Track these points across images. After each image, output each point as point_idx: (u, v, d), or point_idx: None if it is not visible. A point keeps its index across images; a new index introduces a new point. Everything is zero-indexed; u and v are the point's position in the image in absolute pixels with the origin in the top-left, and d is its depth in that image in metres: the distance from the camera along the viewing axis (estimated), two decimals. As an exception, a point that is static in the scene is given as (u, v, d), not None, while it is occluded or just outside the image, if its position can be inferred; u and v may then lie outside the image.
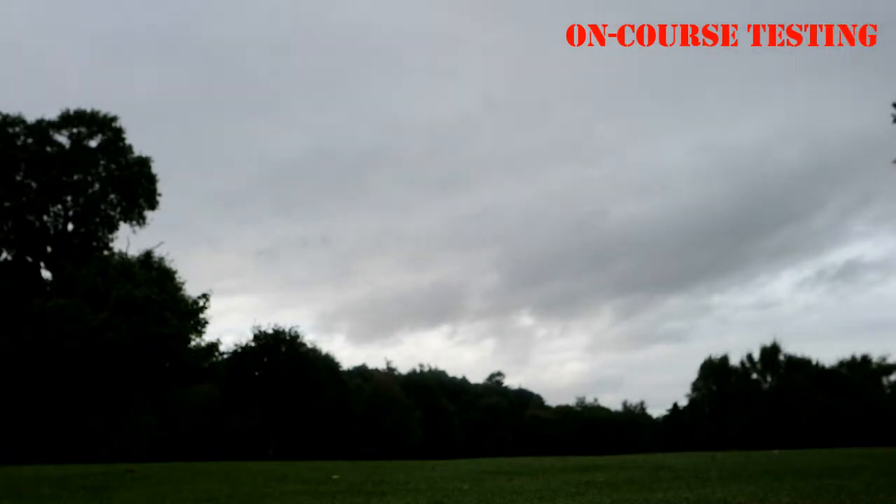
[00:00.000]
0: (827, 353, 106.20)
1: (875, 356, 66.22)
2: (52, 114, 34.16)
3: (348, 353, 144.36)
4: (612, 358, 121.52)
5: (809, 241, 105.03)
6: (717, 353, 71.97)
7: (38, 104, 58.12)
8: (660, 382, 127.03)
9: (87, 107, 34.15)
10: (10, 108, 34.17)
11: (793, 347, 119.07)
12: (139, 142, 69.19)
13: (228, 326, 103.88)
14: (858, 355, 66.65)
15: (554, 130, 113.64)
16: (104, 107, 35.65)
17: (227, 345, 43.13)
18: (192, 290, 32.26)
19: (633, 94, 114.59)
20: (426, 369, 76.99)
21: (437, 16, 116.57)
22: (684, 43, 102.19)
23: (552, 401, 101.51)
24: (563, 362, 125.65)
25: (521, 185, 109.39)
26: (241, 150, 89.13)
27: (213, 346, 33.56)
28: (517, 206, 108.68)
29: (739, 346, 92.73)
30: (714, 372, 69.02)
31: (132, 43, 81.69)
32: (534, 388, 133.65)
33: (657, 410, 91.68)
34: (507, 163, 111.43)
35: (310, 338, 45.94)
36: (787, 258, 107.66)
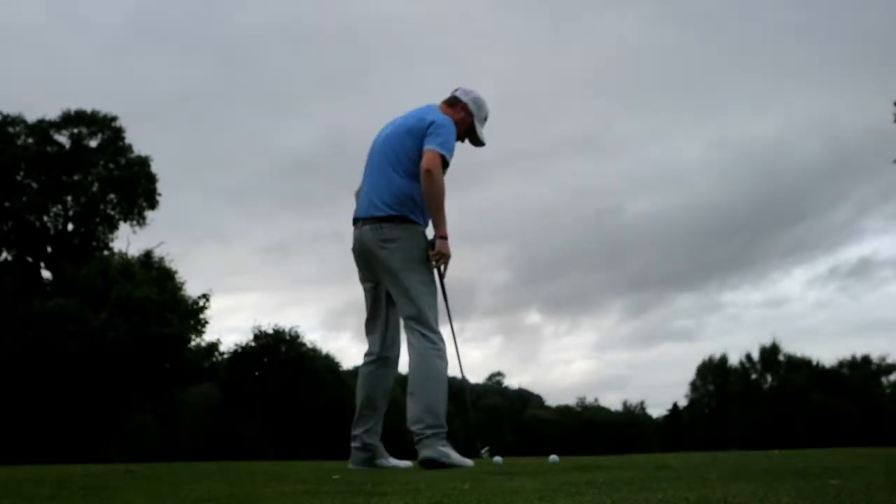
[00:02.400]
0: (836, 352, 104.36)
1: (875, 356, 66.31)
2: (52, 114, 34.29)
3: (355, 351, 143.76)
4: (620, 356, 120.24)
5: (824, 238, 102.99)
6: (722, 353, 71.71)
7: (38, 104, 57.99)
8: (666, 382, 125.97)
9: (93, 100, 34.43)
10: (11, 108, 34.32)
11: (801, 346, 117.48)
12: (147, 136, 68.87)
13: (235, 325, 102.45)
14: (860, 355, 66.76)
15: (570, 125, 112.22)
16: (112, 100, 35.86)
17: (228, 344, 43.21)
18: (200, 287, 32.45)
19: (650, 88, 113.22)
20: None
21: (456, 8, 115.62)
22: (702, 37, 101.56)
23: (556, 400, 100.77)
24: (569, 361, 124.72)
25: (535, 181, 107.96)
26: (252, 144, 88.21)
27: (213, 346, 33.64)
28: (531, 201, 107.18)
29: (747, 345, 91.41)
30: (713, 372, 69.10)
31: (142, 35, 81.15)
32: (539, 387, 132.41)
33: (657, 410, 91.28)
34: (522, 157, 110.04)
35: (310, 337, 45.98)
36: (801, 255, 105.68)
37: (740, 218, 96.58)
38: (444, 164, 4.42)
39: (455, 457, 4.31)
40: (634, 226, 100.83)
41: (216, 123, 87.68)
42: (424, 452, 4.27)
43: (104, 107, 35.44)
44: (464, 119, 4.68)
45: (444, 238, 4.49)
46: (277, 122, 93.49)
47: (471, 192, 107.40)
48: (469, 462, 4.42)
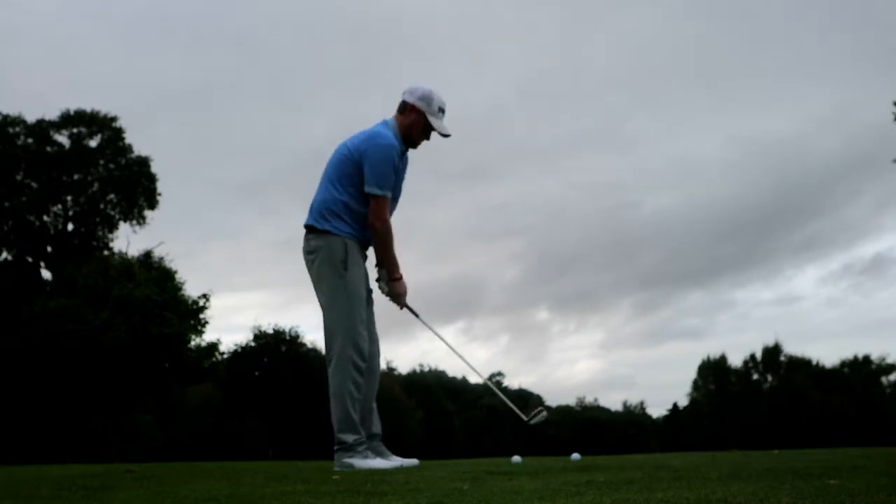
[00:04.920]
0: (846, 350, 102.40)
1: (875, 356, 66.26)
2: (58, 109, 34.31)
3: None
4: (627, 355, 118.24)
5: (840, 235, 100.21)
6: (727, 352, 71.27)
7: (44, 99, 57.78)
8: (673, 381, 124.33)
9: (101, 95, 34.51)
10: (21, 104, 34.40)
11: (811, 345, 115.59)
12: (156, 131, 68.51)
13: (242, 322, 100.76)
14: (860, 355, 66.71)
15: (585, 120, 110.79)
16: (120, 95, 35.84)
17: (228, 344, 43.22)
18: (208, 284, 32.37)
19: (666, 83, 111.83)
20: (426, 369, 77.03)
21: (471, 0, 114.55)
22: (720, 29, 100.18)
23: (563, 399, 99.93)
24: (576, 360, 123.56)
25: (550, 176, 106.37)
26: (262, 139, 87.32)
27: (213, 346, 33.63)
28: (545, 197, 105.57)
29: (754, 345, 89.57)
30: (714, 372, 69.10)
31: (150, 28, 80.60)
32: (545, 386, 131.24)
33: (657, 410, 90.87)
34: (536, 152, 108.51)
35: (311, 337, 45.85)
36: (815, 252, 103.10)
37: (755, 214, 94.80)
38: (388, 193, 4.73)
39: (358, 464, 4.52)
40: (648, 222, 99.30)
41: (226, 118, 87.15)
42: (334, 467, 4.62)
43: (112, 102, 35.65)
44: (416, 121, 4.76)
45: (396, 279, 4.84)
46: (288, 116, 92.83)
47: (483, 187, 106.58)
48: (378, 464, 4.58)
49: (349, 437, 4.60)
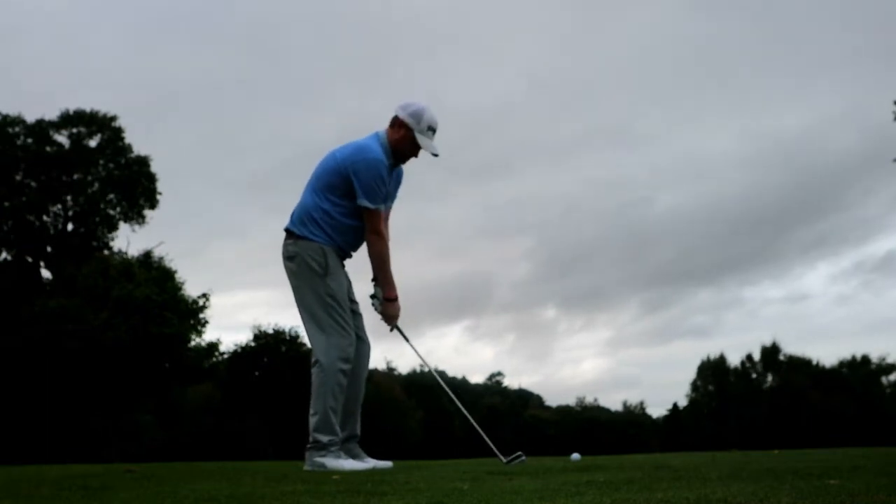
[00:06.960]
0: (853, 349, 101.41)
1: (875, 356, 66.22)
2: (55, 111, 34.33)
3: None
4: (634, 354, 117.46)
5: (852, 232, 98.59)
6: (734, 350, 70.85)
7: (50, 96, 57.71)
8: (677, 380, 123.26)
9: (107, 91, 34.28)
10: (15, 106, 34.43)
11: (817, 344, 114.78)
12: (162, 128, 68.35)
13: (246, 320, 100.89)
14: (860, 355, 66.69)
15: (597, 116, 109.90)
16: (127, 91, 35.86)
17: (228, 344, 43.21)
18: (213, 282, 32.33)
19: (679, 79, 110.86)
20: (426, 369, 76.94)
21: None
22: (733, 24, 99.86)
23: (566, 399, 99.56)
24: (583, 359, 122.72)
25: (561, 173, 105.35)
26: (267, 136, 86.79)
27: (213, 346, 33.62)
28: (556, 193, 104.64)
29: (758, 343, 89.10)
30: (713, 371, 69.06)
31: (156, 23, 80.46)
32: (550, 385, 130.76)
33: (657, 410, 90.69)
34: (547, 148, 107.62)
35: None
36: (827, 249, 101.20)
37: (767, 211, 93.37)
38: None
39: (330, 464, 4.56)
40: (659, 219, 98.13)
41: (231, 115, 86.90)
42: (304, 466, 4.68)
43: (116, 99, 35.65)
44: (404, 136, 4.77)
45: (392, 300, 4.90)
46: (293, 113, 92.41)
47: (494, 184, 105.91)
48: (350, 465, 4.58)
49: (324, 438, 4.63)
